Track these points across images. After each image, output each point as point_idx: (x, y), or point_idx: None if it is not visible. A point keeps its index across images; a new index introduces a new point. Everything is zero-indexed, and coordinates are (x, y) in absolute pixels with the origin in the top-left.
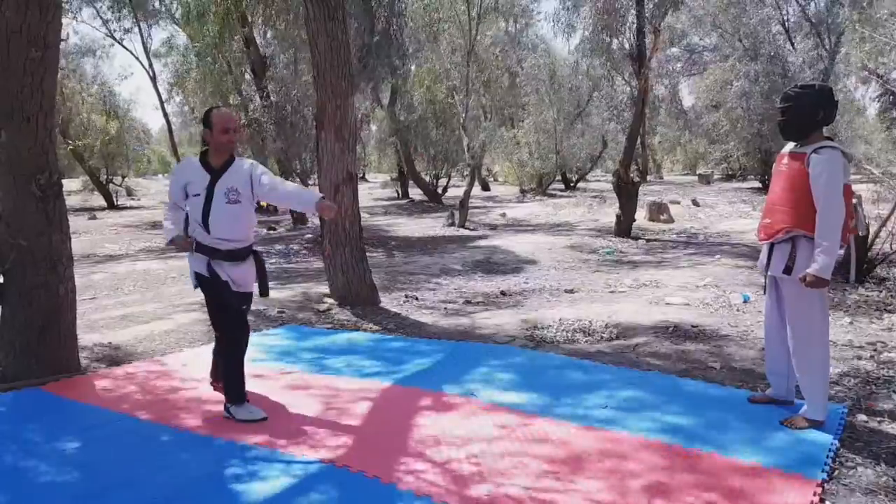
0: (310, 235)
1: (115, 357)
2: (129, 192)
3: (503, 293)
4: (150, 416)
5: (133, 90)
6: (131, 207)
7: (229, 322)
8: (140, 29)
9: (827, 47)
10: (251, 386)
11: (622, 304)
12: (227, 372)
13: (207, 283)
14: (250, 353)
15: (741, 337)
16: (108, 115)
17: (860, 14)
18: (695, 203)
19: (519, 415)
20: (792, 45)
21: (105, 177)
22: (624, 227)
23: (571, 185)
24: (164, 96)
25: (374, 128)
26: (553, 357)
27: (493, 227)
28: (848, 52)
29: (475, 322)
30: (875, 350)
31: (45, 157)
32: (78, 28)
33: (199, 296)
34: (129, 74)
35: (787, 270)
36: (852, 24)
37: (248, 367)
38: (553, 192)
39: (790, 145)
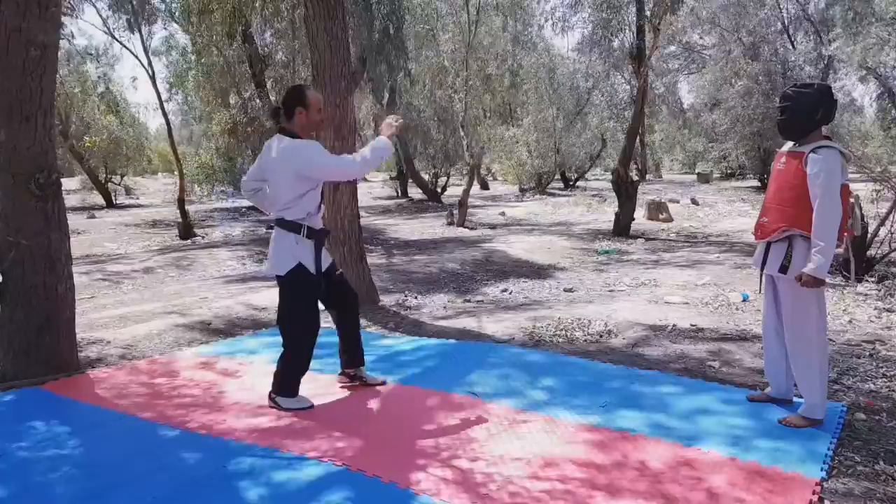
0: None
1: (114, 356)
2: (129, 191)
3: (502, 292)
4: (150, 416)
5: (130, 89)
6: (130, 206)
7: (312, 311)
8: (139, 27)
9: (826, 45)
10: (252, 384)
11: (621, 303)
12: (292, 367)
13: (305, 273)
14: (248, 354)
15: (740, 336)
16: (114, 114)
17: (856, 13)
18: (694, 202)
19: (519, 414)
20: (791, 43)
21: (104, 175)
22: (623, 226)
23: (571, 183)
24: (163, 95)
25: (373, 126)
26: (552, 356)
27: (493, 227)
28: (842, 49)
29: (474, 321)
30: (874, 348)
31: (44, 156)
32: (79, 29)
33: (198, 294)
34: (133, 78)
35: (783, 269)
36: (847, 21)
37: (245, 367)
38: (552, 191)
39: (789, 144)
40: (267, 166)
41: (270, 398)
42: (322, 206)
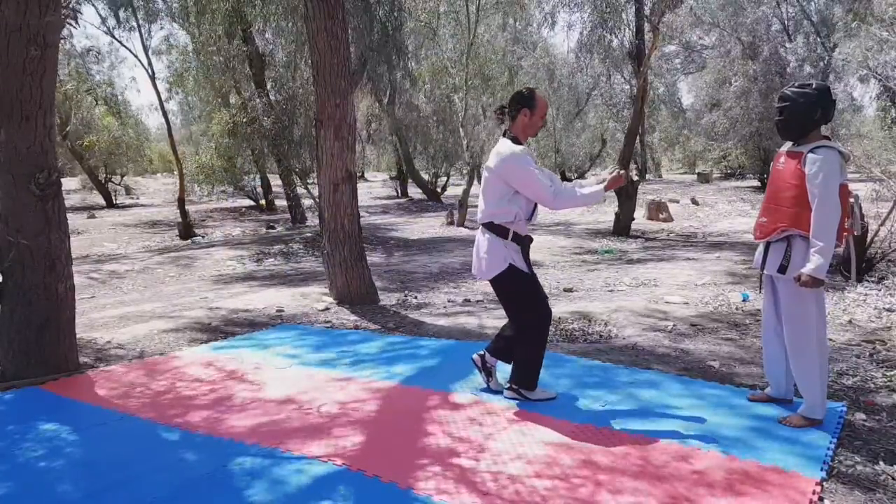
0: (309, 235)
1: (114, 356)
2: (128, 191)
3: None
4: (150, 415)
5: (131, 90)
6: (130, 206)
7: (540, 299)
8: (139, 27)
9: (826, 45)
10: (252, 383)
11: (621, 303)
12: (532, 357)
13: (519, 272)
14: (248, 354)
15: (740, 335)
16: (114, 115)
17: (856, 13)
18: (694, 202)
19: (520, 413)
20: (790, 42)
21: (104, 175)
22: (623, 226)
23: None
24: (163, 95)
25: (373, 126)
26: (552, 356)
27: None
28: (844, 50)
29: (475, 320)
30: (874, 348)
31: (44, 155)
32: (78, 28)
33: (199, 294)
34: (132, 79)
35: (783, 269)
36: (847, 21)
37: (246, 367)
38: None
39: (788, 144)
40: (485, 169)
41: (513, 389)
42: (535, 214)
